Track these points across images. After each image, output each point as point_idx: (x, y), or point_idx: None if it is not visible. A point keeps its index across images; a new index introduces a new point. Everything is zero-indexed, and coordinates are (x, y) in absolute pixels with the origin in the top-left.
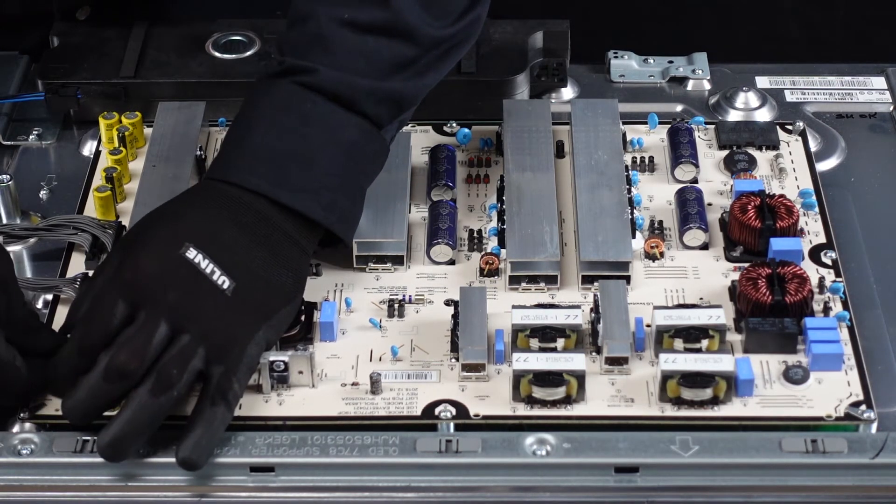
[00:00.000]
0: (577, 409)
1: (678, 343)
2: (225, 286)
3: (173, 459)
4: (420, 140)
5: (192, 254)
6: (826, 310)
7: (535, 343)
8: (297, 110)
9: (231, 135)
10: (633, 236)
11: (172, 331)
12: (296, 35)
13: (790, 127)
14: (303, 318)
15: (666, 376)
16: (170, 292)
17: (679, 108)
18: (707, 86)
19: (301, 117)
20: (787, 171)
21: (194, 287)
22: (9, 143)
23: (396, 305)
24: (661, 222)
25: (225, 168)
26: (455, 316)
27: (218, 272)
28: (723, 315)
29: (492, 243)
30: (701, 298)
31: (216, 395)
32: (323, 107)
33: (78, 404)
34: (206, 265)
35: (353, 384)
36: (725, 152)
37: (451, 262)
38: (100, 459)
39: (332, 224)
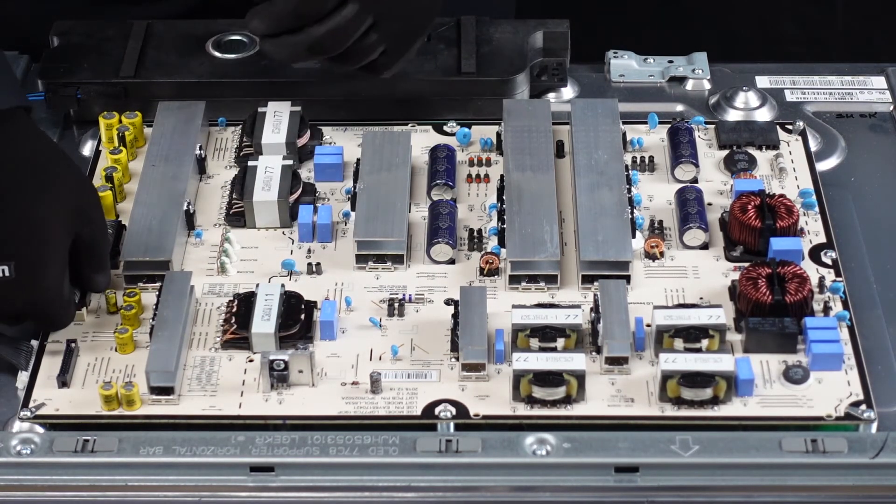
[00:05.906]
0: (577, 409)
1: (678, 343)
2: None
3: (173, 459)
4: (420, 140)
5: None
6: (826, 310)
7: (535, 343)
8: None
9: None
10: (633, 236)
11: (372, 22)
12: None
13: (790, 127)
14: (303, 316)
15: (666, 376)
16: None
17: (679, 107)
18: (707, 86)
19: None
20: (787, 171)
21: None
22: None
23: (396, 305)
24: (661, 222)
25: None
26: (455, 315)
27: None
28: (723, 315)
29: (492, 243)
30: (701, 298)
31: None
32: None
33: (274, 53)
34: None
35: (353, 383)
36: (725, 152)
37: (451, 262)
38: (100, 459)
39: None
